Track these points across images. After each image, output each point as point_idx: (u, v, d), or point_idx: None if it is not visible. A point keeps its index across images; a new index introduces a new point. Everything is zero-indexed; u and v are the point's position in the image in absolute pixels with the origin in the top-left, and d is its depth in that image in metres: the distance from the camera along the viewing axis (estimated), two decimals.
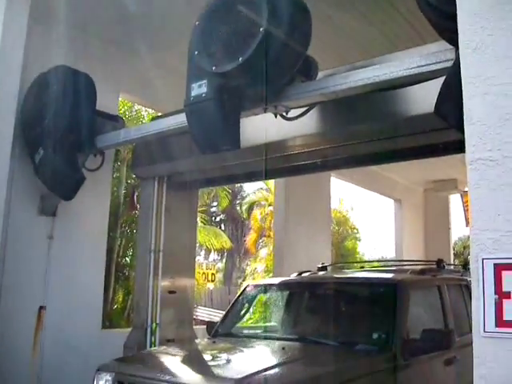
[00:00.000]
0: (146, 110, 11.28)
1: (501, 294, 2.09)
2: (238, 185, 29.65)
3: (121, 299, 10.99)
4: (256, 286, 6.39)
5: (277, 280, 6.83)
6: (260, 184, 26.13)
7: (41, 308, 6.28)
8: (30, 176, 6.06)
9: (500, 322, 2.09)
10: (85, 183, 6.12)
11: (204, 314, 18.09)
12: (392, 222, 15.17)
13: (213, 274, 20.72)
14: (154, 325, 6.40)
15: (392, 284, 5.16)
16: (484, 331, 2.11)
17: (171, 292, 6.64)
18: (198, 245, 25.65)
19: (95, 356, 4.86)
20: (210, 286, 22.31)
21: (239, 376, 3.66)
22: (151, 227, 6.58)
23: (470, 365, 5.72)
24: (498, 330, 2.09)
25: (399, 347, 4.36)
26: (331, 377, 3.82)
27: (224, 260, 30.47)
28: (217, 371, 4.27)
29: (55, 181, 5.91)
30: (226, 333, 5.44)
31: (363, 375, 4.02)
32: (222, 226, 30.20)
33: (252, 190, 28.70)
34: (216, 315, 15.95)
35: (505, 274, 2.09)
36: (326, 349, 4.62)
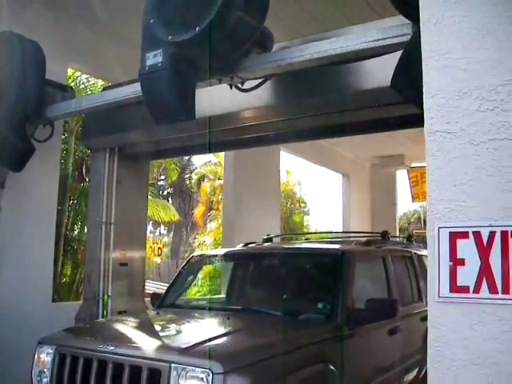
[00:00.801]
0: (96, 82, 11.00)
1: (455, 261, 2.19)
2: (186, 158, 29.55)
3: (69, 273, 10.83)
4: (200, 257, 6.36)
5: (221, 251, 6.90)
6: (209, 157, 26.11)
7: None
8: None
9: (454, 287, 2.18)
10: (34, 154, 5.98)
11: (152, 287, 18.06)
12: (340, 196, 15.44)
13: (159, 248, 20.65)
14: (106, 297, 6.35)
15: (337, 254, 5.17)
16: (438, 296, 2.20)
17: (122, 264, 6.59)
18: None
19: (46, 329, 4.78)
20: (158, 260, 22.27)
21: (184, 346, 3.67)
22: (102, 199, 6.49)
23: (412, 334, 5.99)
24: (451, 294, 2.18)
25: (344, 317, 4.43)
26: (275, 345, 3.84)
27: (171, 234, 30.41)
28: (161, 341, 4.30)
29: (3, 151, 5.73)
30: (171, 304, 5.43)
31: (308, 344, 4.06)
32: (170, 199, 30.02)
33: (201, 163, 28.67)
34: (164, 288, 15.90)
35: (459, 241, 2.18)
36: (271, 319, 4.66)
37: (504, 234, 2.11)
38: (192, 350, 3.56)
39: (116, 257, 6.53)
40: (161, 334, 4.67)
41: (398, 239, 7.96)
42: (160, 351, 3.72)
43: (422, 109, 2.31)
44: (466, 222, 2.18)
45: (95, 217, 6.55)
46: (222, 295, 6.50)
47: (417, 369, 5.82)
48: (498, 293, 2.10)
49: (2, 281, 6.23)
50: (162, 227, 31.26)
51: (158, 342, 4.25)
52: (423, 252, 6.79)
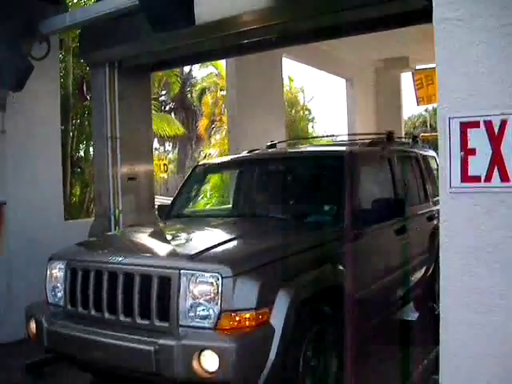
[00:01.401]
0: None
1: (466, 151, 2.17)
2: (187, 72, 29.08)
3: (78, 193, 10.91)
4: (205, 166, 6.29)
5: (225, 158, 6.85)
6: (210, 69, 25.63)
7: (1, 204, 6.22)
8: None
9: (465, 177, 2.18)
10: (32, 73, 5.88)
11: (162, 202, 18.24)
12: (344, 102, 15.22)
13: (165, 164, 20.70)
14: (117, 211, 6.43)
15: (341, 156, 5.07)
16: (450, 187, 2.21)
17: (131, 178, 6.62)
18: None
19: (59, 246, 4.86)
20: (164, 176, 22.39)
21: (193, 252, 3.69)
22: (105, 114, 6.44)
23: (420, 234, 6.02)
24: (463, 184, 2.19)
25: (349, 218, 4.43)
26: (283, 248, 3.85)
27: (176, 149, 30.39)
28: (170, 250, 4.31)
29: (1, 71, 5.62)
30: (178, 215, 5.45)
31: (316, 245, 4.09)
32: (173, 114, 29.76)
33: (202, 75, 28.21)
34: None
35: (470, 131, 2.16)
36: (278, 223, 4.70)
37: None
38: (200, 256, 3.60)
39: (124, 172, 6.55)
40: (169, 242, 4.69)
41: (403, 140, 7.87)
42: (169, 259, 3.77)
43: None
44: (476, 112, 2.14)
45: (100, 133, 6.53)
46: (224, 201, 6.54)
47: (425, 267, 5.93)
48: (509, 180, 2.10)
49: (14, 202, 6.28)
50: (168, 144, 31.29)
51: (166, 251, 4.27)
52: (429, 153, 6.77)
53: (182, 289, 3.37)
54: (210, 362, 3.16)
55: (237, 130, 9.79)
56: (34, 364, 4.98)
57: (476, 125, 2.15)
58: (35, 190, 6.55)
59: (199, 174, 5.99)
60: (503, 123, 2.10)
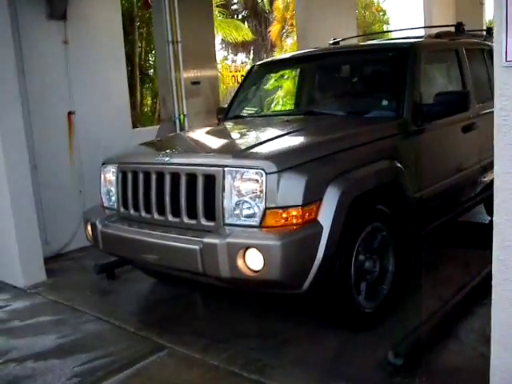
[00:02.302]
0: None
1: None
2: None
3: (149, 102, 11.02)
4: (261, 66, 6.01)
5: (282, 56, 6.58)
6: None
7: (69, 113, 6.36)
8: None
9: None
10: None
11: None
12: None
13: (242, 75, 20.45)
14: (182, 116, 6.45)
15: (402, 48, 4.80)
16: (506, 61, 1.99)
17: (195, 83, 6.59)
18: (222, 41, 25.12)
19: None
20: None
21: (237, 149, 3.68)
22: (165, 18, 6.35)
23: (489, 133, 5.71)
24: None
25: (410, 112, 4.22)
26: (334, 143, 3.70)
27: (251, 57, 29.88)
28: (217, 148, 4.27)
29: None
30: (235, 116, 5.35)
31: (370, 141, 3.89)
32: (245, 22, 29.12)
33: None
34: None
35: None
36: (333, 119, 4.52)
37: None
38: (245, 153, 3.53)
39: (187, 76, 6.51)
40: (218, 142, 4.62)
41: (476, 32, 7.29)
42: (214, 156, 3.71)
43: None
44: None
45: (161, 37, 6.46)
46: (282, 100, 6.34)
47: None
48: None
49: (82, 111, 6.41)
50: (243, 55, 30.82)
51: (213, 149, 4.23)
52: None
53: (226, 187, 3.31)
54: (254, 260, 3.11)
55: (306, 32, 9.39)
56: (103, 266, 5.19)
57: None
58: (102, 99, 6.65)
59: (257, 74, 5.77)
60: None
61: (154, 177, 3.73)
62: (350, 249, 3.51)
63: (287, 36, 22.56)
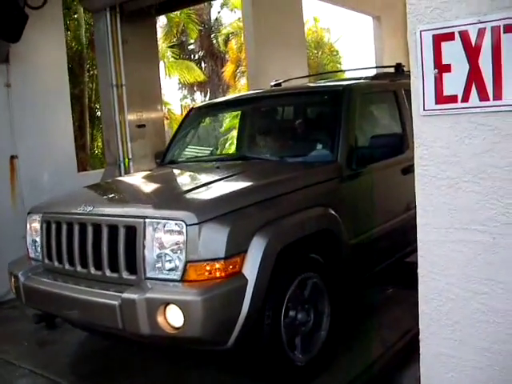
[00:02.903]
0: None
1: (441, 68, 1.91)
2: (214, 19, 28.42)
3: (100, 144, 10.90)
4: (199, 109, 5.88)
5: (220, 99, 6.55)
6: (237, 15, 24.97)
7: (12, 157, 6.21)
8: None
9: (440, 97, 1.92)
10: (34, 23, 5.79)
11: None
12: (371, 42, 14.64)
13: None
14: (127, 160, 6.35)
15: (337, 90, 4.65)
16: (424, 109, 1.96)
17: (140, 126, 6.51)
18: (179, 81, 25.20)
19: None
20: None
21: (158, 200, 3.58)
22: (109, 61, 6.29)
23: None
24: (438, 106, 1.93)
25: (344, 156, 4.11)
26: (262, 191, 3.57)
27: (207, 97, 30.08)
28: (139, 198, 4.11)
29: None
30: (171, 161, 5.20)
31: (301, 187, 3.77)
32: (203, 63, 29.35)
33: (227, 21, 27.58)
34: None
35: (444, 44, 1.89)
36: (263, 164, 4.38)
37: (495, 30, 1.80)
38: (166, 203, 3.43)
39: (132, 119, 6.43)
40: (143, 190, 4.50)
41: None
42: (134, 207, 3.51)
43: None
44: (451, 22, 1.87)
45: (105, 80, 6.39)
46: (216, 144, 6.25)
47: None
48: (489, 99, 1.83)
49: (26, 155, 6.27)
50: (199, 93, 31.00)
51: (135, 199, 4.07)
52: None
53: (147, 239, 3.17)
54: (174, 316, 2.97)
55: (256, 73, 9.45)
56: (42, 315, 4.93)
57: (451, 37, 1.88)
58: (46, 142, 6.54)
59: (194, 117, 5.62)
60: (481, 32, 1.82)
61: (76, 228, 3.58)
62: (278, 302, 3.34)
63: (241, 76, 22.77)
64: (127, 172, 6.32)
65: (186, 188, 3.80)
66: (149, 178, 4.80)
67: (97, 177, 6.56)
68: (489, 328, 1.93)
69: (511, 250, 1.85)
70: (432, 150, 1.96)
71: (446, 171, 1.94)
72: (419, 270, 2.05)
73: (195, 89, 28.08)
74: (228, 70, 24.70)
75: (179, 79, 19.82)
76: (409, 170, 4.48)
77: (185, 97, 29.47)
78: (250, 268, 3.10)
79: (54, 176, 6.47)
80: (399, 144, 4.18)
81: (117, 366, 4.16)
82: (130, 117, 6.39)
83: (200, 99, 29.37)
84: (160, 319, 2.98)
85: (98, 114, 10.84)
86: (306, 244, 3.59)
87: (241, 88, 22.02)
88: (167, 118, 16.94)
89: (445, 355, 2.04)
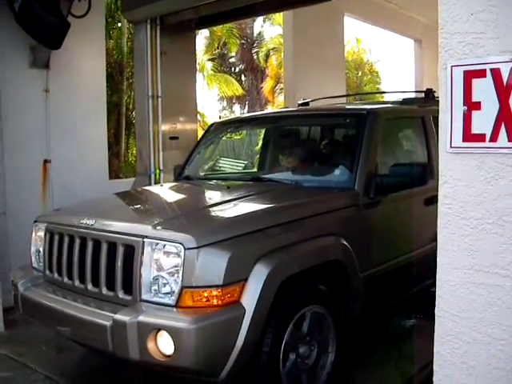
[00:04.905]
0: None
1: (470, 105, 1.87)
2: (257, 33, 28.62)
3: (135, 152, 10.99)
4: (220, 124, 5.67)
5: (241, 116, 6.44)
6: (278, 30, 25.14)
7: (45, 161, 6.31)
8: (15, 27, 5.73)
9: (467, 135, 1.87)
10: (76, 31, 5.90)
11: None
12: (412, 63, 14.56)
13: None
14: (158, 171, 6.39)
15: (360, 114, 4.41)
16: (451, 146, 1.91)
17: (173, 138, 6.55)
18: (219, 96, 25.42)
19: None
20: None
21: (159, 220, 3.39)
22: (147, 72, 6.36)
23: None
24: (465, 144, 1.89)
25: (363, 184, 3.92)
26: (269, 217, 3.42)
27: (245, 111, 30.24)
28: (141, 216, 3.99)
29: (37, 28, 5.56)
30: (187, 176, 5.06)
31: (313, 215, 3.58)
32: (243, 76, 29.55)
33: (269, 36, 27.73)
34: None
35: (475, 81, 1.85)
36: (278, 187, 4.19)
37: None
38: (167, 223, 3.30)
39: (165, 130, 6.47)
40: (147, 207, 4.37)
41: None
42: (134, 226, 3.34)
43: None
44: (482, 58, 1.83)
45: (142, 91, 6.46)
46: (234, 163, 6.16)
47: None
48: None
49: (59, 160, 6.35)
50: (238, 106, 31.22)
51: (137, 217, 3.94)
52: None
53: (145, 259, 3.05)
54: (165, 344, 2.84)
55: (292, 87, 9.44)
56: None
57: (482, 74, 1.83)
58: (80, 148, 6.61)
59: (214, 133, 5.44)
60: None
61: (77, 241, 3.50)
62: (278, 336, 3.16)
63: (280, 92, 22.83)
64: (157, 183, 6.35)
65: (190, 208, 3.71)
66: (159, 194, 4.74)
67: (128, 185, 6.63)
68: (506, 376, 1.86)
69: None
70: (457, 189, 1.91)
71: (469, 211, 1.89)
72: (436, 310, 1.99)
73: (234, 101, 28.27)
74: (267, 85, 24.81)
75: (218, 92, 19.96)
76: (431, 200, 4.26)
77: (224, 108, 29.71)
78: (249, 298, 2.95)
79: (86, 182, 6.53)
80: (422, 174, 4.00)
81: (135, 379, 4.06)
82: (164, 128, 6.45)
83: (238, 112, 29.61)
84: (150, 345, 2.86)
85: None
86: (314, 275, 3.43)
87: (279, 104, 22.06)
88: (203, 130, 17.05)
89: None
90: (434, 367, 2.01)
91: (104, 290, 3.28)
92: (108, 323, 2.98)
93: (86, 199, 6.11)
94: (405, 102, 5.06)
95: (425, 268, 4.20)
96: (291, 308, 3.26)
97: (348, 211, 3.83)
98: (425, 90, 5.27)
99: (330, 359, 3.53)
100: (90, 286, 3.38)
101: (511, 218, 1.80)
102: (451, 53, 1.88)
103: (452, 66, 1.88)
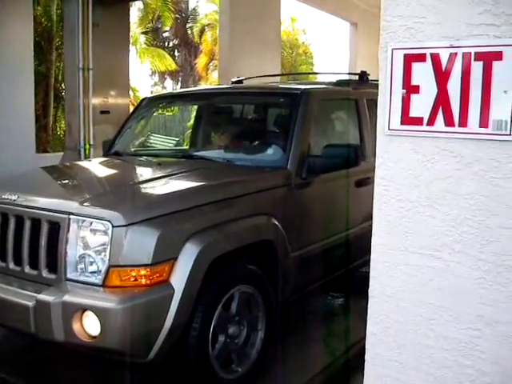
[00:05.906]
0: None
1: (409, 88, 1.88)
2: (191, 8, 28.22)
3: (63, 125, 10.64)
4: (152, 99, 5.55)
5: (174, 92, 6.35)
6: (213, 7, 24.86)
7: None
8: None
9: (406, 118, 1.89)
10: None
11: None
12: (347, 47, 14.74)
13: None
14: (87, 146, 6.21)
15: (294, 94, 4.35)
16: (388, 129, 1.93)
17: (104, 112, 6.38)
18: (151, 71, 24.98)
19: None
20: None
21: (87, 196, 3.28)
22: (78, 43, 6.14)
23: None
24: (403, 127, 1.91)
25: (295, 163, 3.90)
26: (199, 195, 3.36)
27: (178, 87, 29.90)
28: (67, 192, 3.80)
29: None
30: (115, 152, 4.87)
31: (243, 194, 3.54)
32: (176, 51, 29.09)
33: (204, 13, 27.43)
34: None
35: (415, 65, 1.86)
36: (209, 166, 4.12)
37: (466, 56, 1.78)
38: (94, 201, 3.15)
39: (96, 104, 6.29)
40: (75, 183, 4.20)
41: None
42: (60, 202, 3.18)
43: None
44: (423, 42, 1.84)
45: (72, 63, 6.24)
46: (164, 139, 6.06)
47: None
48: (454, 125, 1.81)
49: None
50: (170, 81, 30.80)
51: (63, 193, 3.74)
52: None
53: (71, 237, 2.93)
54: (91, 324, 2.76)
55: (227, 65, 9.38)
56: None
57: (422, 58, 1.85)
58: (3, 119, 6.32)
59: (146, 108, 5.28)
60: (452, 57, 1.80)
61: None
62: (207, 316, 3.13)
63: (214, 69, 22.65)
64: (87, 158, 6.18)
65: (119, 185, 3.59)
66: (87, 169, 4.57)
67: (56, 159, 6.44)
68: (435, 354, 1.92)
69: (463, 279, 1.83)
70: (394, 171, 1.93)
71: (405, 193, 1.91)
72: (370, 290, 2.02)
73: (166, 77, 27.84)
74: (201, 61, 24.57)
75: (150, 66, 19.52)
76: (362, 182, 4.44)
77: (156, 84, 29.24)
78: (179, 277, 2.90)
79: (9, 154, 6.29)
80: (354, 156, 3.99)
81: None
82: (95, 101, 6.28)
83: (171, 87, 29.22)
84: (76, 326, 2.78)
85: (64, 94, 10.57)
86: (243, 254, 3.40)
87: (212, 81, 21.89)
88: (134, 105, 16.72)
89: (389, 377, 2.02)
90: (366, 345, 2.05)
91: (27, 269, 3.14)
92: (31, 303, 2.87)
93: (9, 173, 5.93)
94: (339, 83, 5.05)
95: (355, 248, 4.38)
96: (220, 288, 3.23)
97: (280, 191, 3.81)
98: (359, 72, 5.30)
99: (260, 337, 3.53)
100: (11, 265, 3.21)
101: (445, 201, 1.84)
102: (392, 36, 1.89)
103: (393, 49, 1.89)
